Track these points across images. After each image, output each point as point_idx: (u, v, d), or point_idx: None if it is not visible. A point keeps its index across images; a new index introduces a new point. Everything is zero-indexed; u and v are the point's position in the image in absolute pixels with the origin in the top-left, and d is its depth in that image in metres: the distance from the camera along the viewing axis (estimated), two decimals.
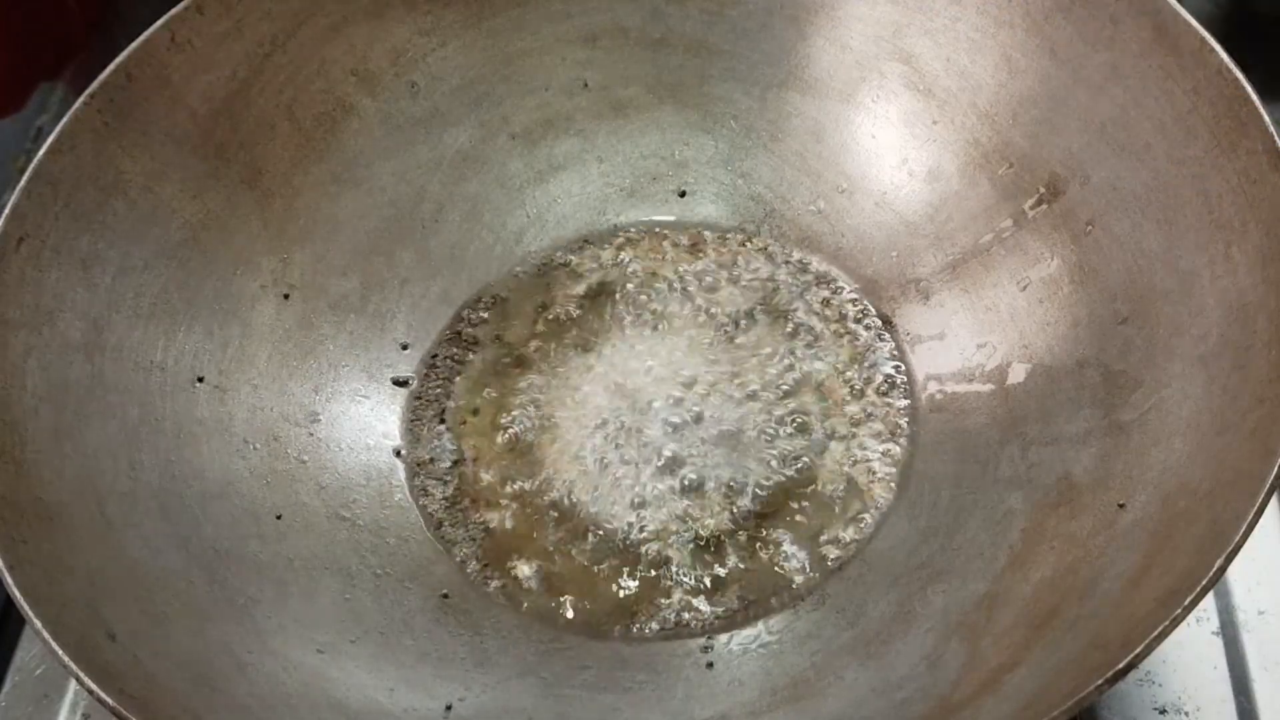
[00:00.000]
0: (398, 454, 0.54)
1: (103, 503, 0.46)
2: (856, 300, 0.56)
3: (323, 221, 0.57)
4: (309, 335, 0.55)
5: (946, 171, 0.56)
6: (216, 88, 0.54)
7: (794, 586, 0.49)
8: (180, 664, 0.43)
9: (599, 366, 0.56)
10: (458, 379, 0.56)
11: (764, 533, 0.51)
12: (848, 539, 0.50)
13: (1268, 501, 0.39)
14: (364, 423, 0.55)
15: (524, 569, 0.51)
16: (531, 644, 0.49)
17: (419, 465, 0.54)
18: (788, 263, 0.58)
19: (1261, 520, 0.38)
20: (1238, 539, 0.38)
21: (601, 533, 0.51)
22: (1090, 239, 0.51)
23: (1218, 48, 0.47)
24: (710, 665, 0.48)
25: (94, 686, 0.39)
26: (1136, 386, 0.47)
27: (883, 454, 0.52)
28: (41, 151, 0.49)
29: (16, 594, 0.41)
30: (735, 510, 0.51)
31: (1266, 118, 0.45)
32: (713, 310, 0.57)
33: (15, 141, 0.73)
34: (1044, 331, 0.51)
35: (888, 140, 0.57)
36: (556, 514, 0.52)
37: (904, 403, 0.53)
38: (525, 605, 0.50)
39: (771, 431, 0.53)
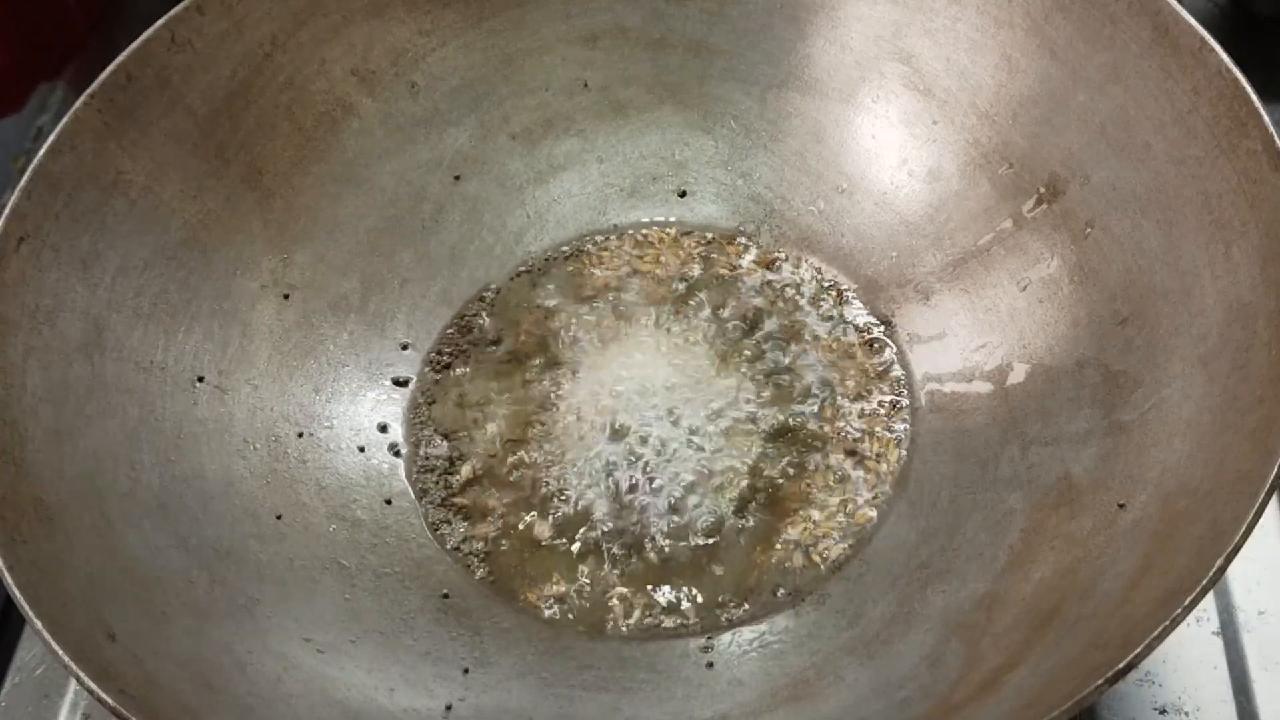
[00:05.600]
0: (397, 454, 0.54)
1: (103, 503, 0.46)
2: (856, 300, 0.56)
3: (323, 221, 0.57)
4: (309, 335, 0.55)
5: (946, 171, 0.56)
6: (216, 88, 0.54)
7: (794, 586, 0.49)
8: (180, 664, 0.43)
9: (599, 367, 0.56)
10: (458, 379, 0.56)
11: (763, 532, 0.51)
12: (847, 539, 0.50)
13: (1268, 501, 0.39)
14: (364, 423, 0.55)
15: (524, 568, 0.51)
16: (531, 644, 0.49)
17: (419, 465, 0.54)
18: (787, 263, 0.58)
19: (1261, 520, 0.38)
20: (1238, 539, 0.38)
21: (602, 532, 0.51)
22: (1090, 239, 0.51)
23: (1218, 48, 0.47)
24: (710, 665, 0.48)
25: (94, 686, 0.39)
26: (1136, 386, 0.47)
27: (882, 454, 0.52)
28: (41, 151, 0.50)
29: (16, 594, 0.41)
30: (735, 510, 0.51)
31: (1266, 118, 0.45)
32: (712, 311, 0.57)
33: (15, 141, 0.73)
34: (1044, 331, 0.51)
35: (888, 140, 0.57)
36: (556, 514, 0.52)
37: (904, 403, 0.53)
38: (525, 605, 0.50)
39: (770, 432, 0.53)
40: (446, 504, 0.53)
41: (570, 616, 0.50)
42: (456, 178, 0.59)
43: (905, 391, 0.54)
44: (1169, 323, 0.47)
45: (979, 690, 0.42)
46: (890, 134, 0.57)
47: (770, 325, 0.56)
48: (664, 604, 0.49)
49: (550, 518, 0.52)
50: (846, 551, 0.50)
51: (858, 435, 0.53)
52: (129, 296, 0.51)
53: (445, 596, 0.50)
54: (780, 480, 0.52)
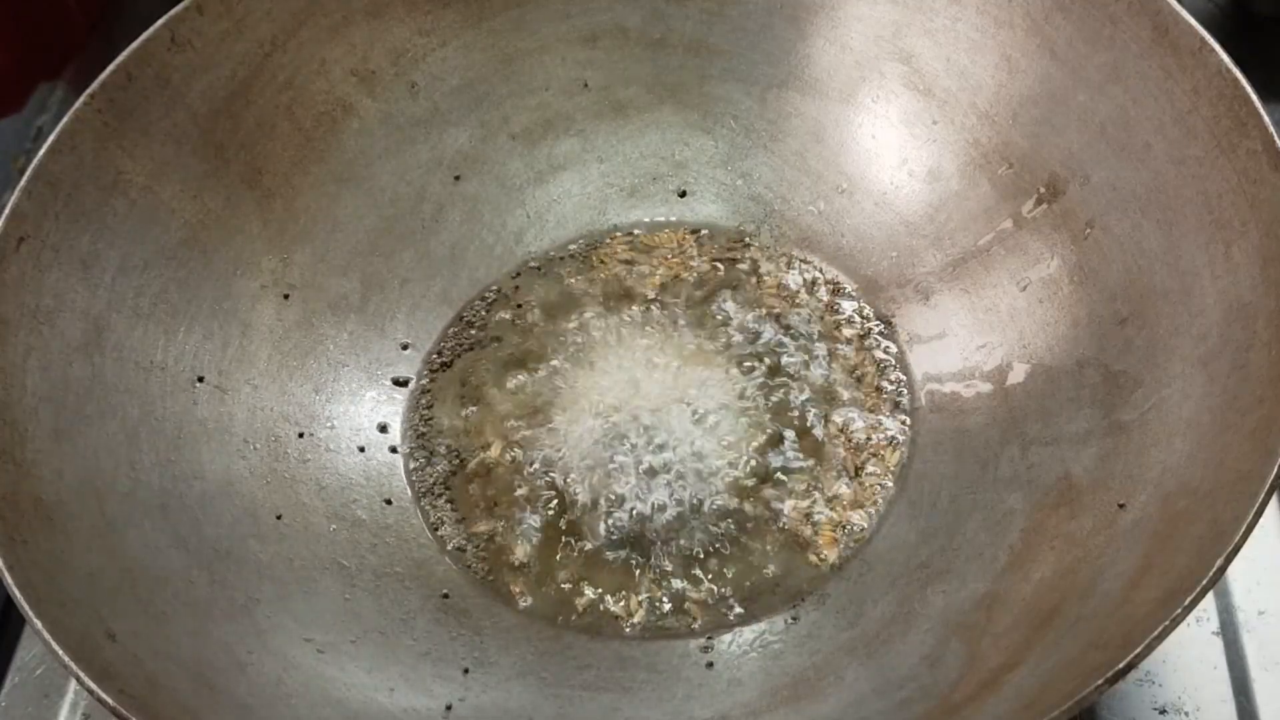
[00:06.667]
0: (397, 453, 0.54)
1: (103, 503, 0.46)
2: (856, 301, 0.56)
3: (323, 221, 0.57)
4: (309, 335, 0.55)
5: (946, 171, 0.56)
6: (216, 88, 0.54)
7: (794, 586, 0.49)
8: (180, 664, 0.43)
9: (599, 368, 0.56)
10: (457, 379, 0.56)
11: (763, 532, 0.51)
12: (848, 539, 0.50)
13: (1268, 501, 0.39)
14: (364, 423, 0.55)
15: (524, 568, 0.51)
16: (531, 644, 0.49)
17: (419, 465, 0.54)
18: (787, 263, 0.58)
19: (1261, 520, 0.38)
20: (1238, 539, 0.38)
21: (602, 533, 0.51)
22: (1090, 239, 0.51)
23: (1218, 48, 0.47)
24: (710, 665, 0.48)
25: (94, 686, 0.39)
26: (1136, 386, 0.47)
27: (882, 454, 0.52)
28: (41, 151, 0.50)
29: (16, 594, 0.41)
30: (735, 510, 0.51)
31: (1266, 118, 0.45)
32: (712, 311, 0.57)
33: (15, 141, 0.73)
34: (1044, 331, 0.51)
35: (888, 140, 0.57)
36: (556, 514, 0.52)
37: (904, 403, 0.53)
38: (525, 604, 0.50)
39: (771, 432, 0.53)
40: (447, 504, 0.53)
41: (571, 615, 0.49)
42: (456, 178, 0.59)
43: (905, 391, 0.54)
44: (1169, 323, 0.47)
45: (979, 690, 0.42)
46: (890, 134, 0.57)
47: (770, 325, 0.56)
48: (664, 604, 0.49)
49: (551, 517, 0.52)
50: (846, 551, 0.50)
51: (858, 435, 0.53)
52: (129, 296, 0.51)
53: (445, 596, 0.50)
54: (780, 481, 0.52)
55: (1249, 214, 0.45)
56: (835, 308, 0.56)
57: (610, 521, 0.51)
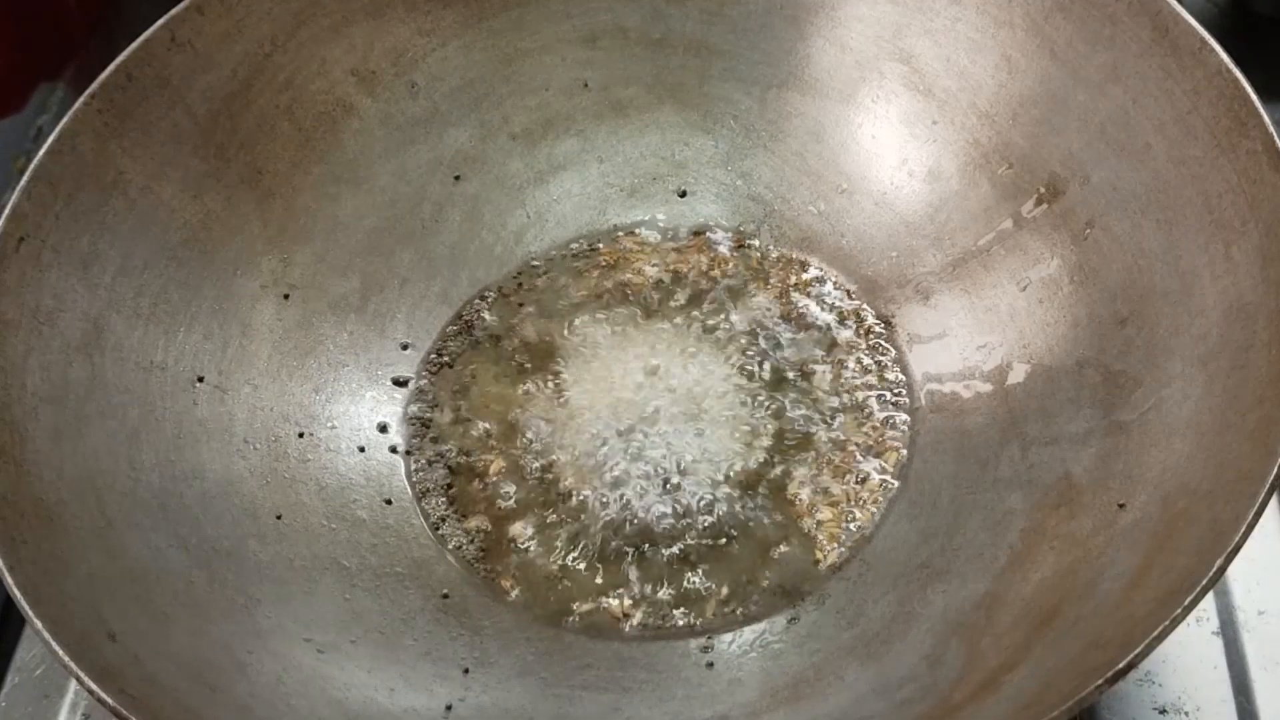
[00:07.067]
0: (397, 453, 0.54)
1: (103, 503, 0.46)
2: (856, 301, 0.56)
3: (323, 221, 0.57)
4: (309, 335, 0.55)
5: (946, 171, 0.56)
6: (216, 88, 0.54)
7: (794, 586, 0.49)
8: (180, 664, 0.43)
9: (599, 367, 0.56)
10: (458, 379, 0.56)
11: (763, 532, 0.51)
12: (847, 539, 0.50)
13: (1268, 501, 0.39)
14: (364, 423, 0.55)
15: (524, 568, 0.51)
16: (531, 644, 0.49)
17: (419, 465, 0.54)
18: (787, 263, 0.58)
19: (1261, 520, 0.38)
20: (1238, 539, 0.38)
21: (602, 532, 0.51)
22: (1090, 239, 0.51)
23: (1218, 48, 0.47)
24: (710, 665, 0.48)
25: (94, 686, 0.39)
26: (1136, 386, 0.47)
27: (882, 454, 0.52)
28: (41, 151, 0.50)
29: (16, 594, 0.41)
30: (736, 510, 0.51)
31: (1266, 118, 0.45)
32: (713, 310, 0.57)
33: (15, 141, 0.73)
34: (1044, 331, 0.51)
35: (888, 140, 0.57)
36: (557, 513, 0.52)
37: (904, 403, 0.53)
38: (524, 604, 0.50)
39: (770, 432, 0.53)
40: (447, 503, 0.53)
41: (571, 615, 0.49)
42: (456, 178, 0.59)
43: (905, 391, 0.54)
44: (1169, 323, 0.47)
45: (979, 690, 0.42)
46: (890, 134, 0.57)
47: (770, 325, 0.56)
48: (665, 604, 0.49)
49: (551, 517, 0.52)
50: (846, 551, 0.50)
51: (858, 435, 0.53)
52: (129, 296, 0.51)
53: (445, 596, 0.50)
54: (781, 480, 0.52)
55: (1249, 214, 0.45)
56: (835, 308, 0.56)
57: (610, 521, 0.51)
